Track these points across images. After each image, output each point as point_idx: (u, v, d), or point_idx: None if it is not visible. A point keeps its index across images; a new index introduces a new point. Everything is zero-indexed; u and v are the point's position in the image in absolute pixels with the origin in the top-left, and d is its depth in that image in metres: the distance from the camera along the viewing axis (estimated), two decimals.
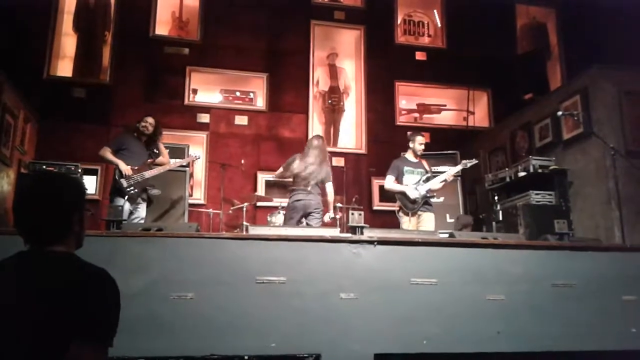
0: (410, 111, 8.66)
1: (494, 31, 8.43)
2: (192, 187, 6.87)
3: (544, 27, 9.14)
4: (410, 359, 3.18)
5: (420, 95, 8.77)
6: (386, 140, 7.94)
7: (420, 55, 8.54)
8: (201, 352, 2.94)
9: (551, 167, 5.76)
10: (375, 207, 7.63)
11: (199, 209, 6.81)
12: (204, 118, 7.56)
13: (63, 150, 6.56)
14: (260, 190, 7.28)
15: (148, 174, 5.08)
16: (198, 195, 7.16)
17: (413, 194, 5.21)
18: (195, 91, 7.75)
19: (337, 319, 3.16)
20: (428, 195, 5.28)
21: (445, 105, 8.83)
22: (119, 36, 7.58)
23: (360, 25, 8.39)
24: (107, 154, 5.02)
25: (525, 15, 9.12)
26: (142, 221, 4.96)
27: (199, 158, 5.95)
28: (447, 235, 4.13)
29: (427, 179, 5.32)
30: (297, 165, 5.11)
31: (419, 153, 5.47)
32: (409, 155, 5.51)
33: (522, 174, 5.87)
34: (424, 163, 5.52)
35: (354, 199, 6.55)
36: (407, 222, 5.23)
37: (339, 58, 8.36)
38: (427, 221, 5.23)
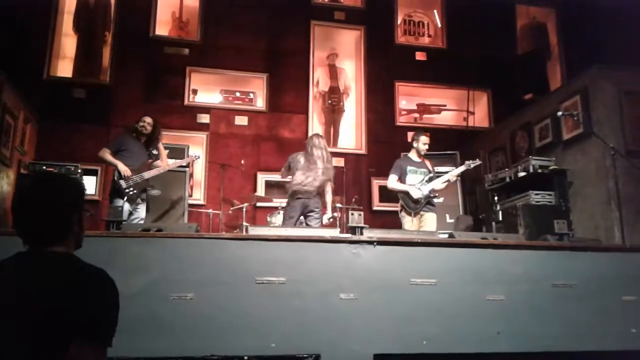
0: (410, 111, 8.66)
1: (494, 31, 8.43)
2: (192, 188, 6.87)
3: (544, 27, 9.14)
4: (410, 359, 3.18)
5: (420, 96, 8.77)
6: (386, 140, 7.94)
7: (420, 56, 8.54)
8: (201, 352, 2.94)
9: (551, 167, 5.76)
10: (375, 208, 7.63)
11: (199, 209, 6.81)
12: (204, 118, 7.56)
13: (63, 151, 6.56)
14: (260, 191, 7.28)
15: (147, 174, 5.08)
16: (198, 196, 7.16)
17: (416, 193, 5.20)
18: (195, 91, 7.75)
19: (337, 319, 3.16)
20: (431, 195, 5.28)
21: (445, 106, 8.82)
22: (119, 36, 7.58)
23: (360, 26, 8.39)
24: (106, 155, 5.03)
25: (525, 16, 9.12)
26: (142, 221, 4.97)
27: (199, 158, 5.95)
28: (446, 235, 4.13)
29: (430, 179, 5.31)
30: (302, 167, 5.02)
31: (422, 153, 5.46)
32: (412, 155, 5.50)
33: (522, 174, 5.87)
34: (427, 163, 5.51)
35: (353, 200, 6.55)
36: (409, 222, 5.22)
37: (339, 58, 8.36)
38: (429, 221, 5.22)
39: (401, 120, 8.34)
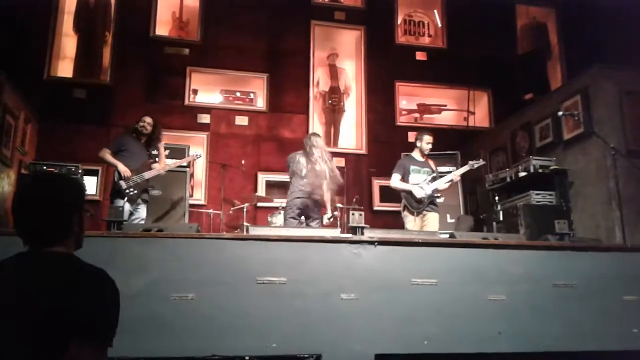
0: (410, 111, 8.66)
1: (494, 31, 8.43)
2: (192, 188, 6.87)
3: (544, 27, 9.14)
4: (411, 359, 3.17)
5: (421, 96, 8.77)
6: (386, 140, 7.94)
7: (420, 56, 8.54)
8: (202, 352, 2.94)
9: (552, 167, 5.76)
10: (375, 208, 7.63)
11: (200, 210, 6.81)
12: (205, 118, 7.56)
13: (64, 151, 6.56)
14: (261, 191, 7.28)
15: (147, 174, 5.08)
16: (198, 196, 7.16)
17: (419, 193, 5.19)
18: (195, 91, 7.75)
19: (338, 319, 3.15)
20: (434, 195, 5.27)
21: (445, 106, 8.82)
22: (119, 36, 7.58)
23: (361, 26, 8.39)
24: (107, 155, 5.02)
25: (526, 16, 9.11)
26: (143, 222, 4.97)
27: (199, 157, 5.95)
28: (447, 235, 4.13)
29: (434, 179, 5.30)
30: (306, 173, 4.99)
31: (426, 152, 5.44)
32: (415, 154, 5.49)
33: (522, 174, 5.87)
34: (431, 163, 5.49)
35: (354, 200, 6.54)
36: (411, 222, 5.21)
37: (339, 58, 8.36)
38: (432, 221, 5.21)
39: (401, 120, 8.34)
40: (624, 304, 3.50)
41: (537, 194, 5.57)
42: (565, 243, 3.82)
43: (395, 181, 5.37)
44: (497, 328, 3.30)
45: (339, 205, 6.13)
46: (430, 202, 5.24)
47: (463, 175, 5.71)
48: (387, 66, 8.33)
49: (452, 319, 3.28)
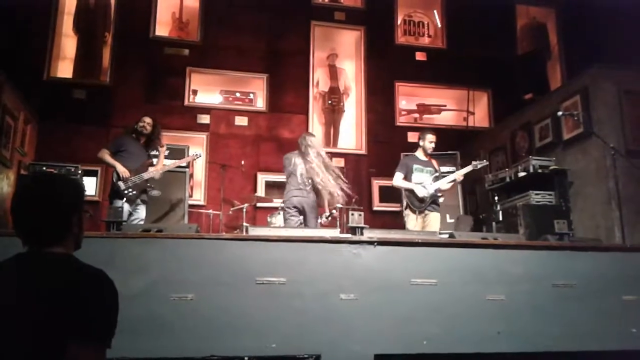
0: (410, 111, 8.66)
1: (494, 31, 8.43)
2: (192, 188, 6.87)
3: (544, 27, 9.14)
4: (411, 359, 3.17)
5: (420, 96, 8.77)
6: (386, 140, 7.95)
7: (420, 56, 8.54)
8: (201, 352, 2.94)
9: (551, 167, 5.76)
10: (375, 208, 7.63)
11: (199, 210, 6.81)
12: (204, 119, 7.57)
13: (63, 152, 6.56)
14: (260, 191, 7.28)
15: (146, 175, 5.08)
16: (198, 196, 7.16)
17: (421, 192, 5.19)
18: (195, 92, 7.75)
19: (337, 319, 3.15)
20: (437, 194, 5.27)
21: (445, 106, 8.83)
22: (119, 37, 7.58)
23: (361, 26, 8.39)
24: (105, 156, 5.02)
25: (525, 16, 9.12)
26: (142, 222, 4.96)
27: (199, 156, 5.94)
28: (447, 235, 4.13)
29: (436, 178, 5.30)
30: (301, 167, 5.00)
31: (429, 151, 5.42)
32: (419, 154, 5.48)
33: (522, 174, 5.87)
34: (434, 162, 5.48)
35: (353, 200, 6.54)
36: (413, 221, 5.21)
37: (339, 59, 8.37)
38: (433, 221, 5.20)
39: (401, 120, 8.34)
40: (624, 303, 3.50)
41: (537, 194, 5.57)
42: (564, 243, 3.82)
43: (397, 180, 5.36)
44: (496, 328, 3.30)
45: (338, 205, 6.13)
46: (432, 202, 5.23)
47: (463, 176, 5.71)
48: (386, 66, 8.33)
49: (451, 319, 3.28)
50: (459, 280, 3.36)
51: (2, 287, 1.39)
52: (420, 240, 3.49)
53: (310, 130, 7.63)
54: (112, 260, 2.93)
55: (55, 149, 6.67)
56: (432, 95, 8.80)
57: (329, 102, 8.16)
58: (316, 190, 4.93)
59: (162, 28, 7.89)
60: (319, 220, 5.19)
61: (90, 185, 6.58)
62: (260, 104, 7.86)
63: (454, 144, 7.41)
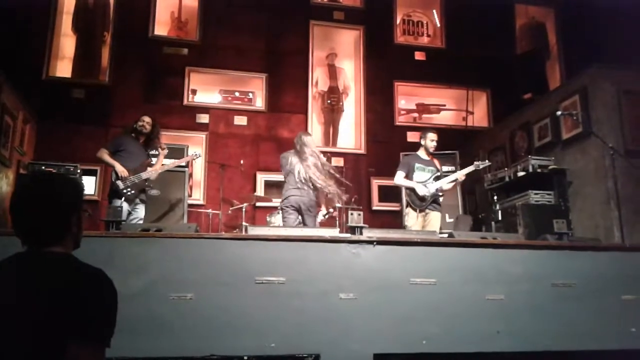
0: (409, 111, 8.66)
1: (493, 31, 8.43)
2: (191, 188, 6.86)
3: (543, 27, 9.14)
4: (410, 359, 3.17)
5: (420, 95, 8.77)
6: (385, 140, 7.95)
7: (419, 55, 8.55)
8: (200, 352, 2.94)
9: (550, 167, 5.76)
10: (374, 207, 7.62)
11: (198, 210, 6.81)
12: (203, 118, 7.56)
13: (62, 151, 6.55)
14: (260, 191, 7.28)
15: (145, 174, 5.07)
16: (197, 196, 7.15)
17: (422, 191, 5.18)
18: (194, 91, 7.74)
19: (337, 319, 3.16)
20: (438, 194, 5.27)
21: (444, 105, 8.83)
22: (118, 37, 7.58)
23: (360, 26, 8.39)
24: (104, 155, 5.02)
25: (525, 15, 9.12)
26: (141, 222, 4.96)
27: (199, 156, 5.93)
28: (446, 235, 4.13)
29: (438, 178, 5.30)
30: (297, 166, 5.01)
31: (430, 150, 5.41)
32: (420, 153, 5.47)
33: (521, 173, 5.87)
34: (436, 162, 5.47)
35: (353, 199, 6.54)
36: (413, 219, 5.20)
37: (338, 58, 8.37)
38: (434, 220, 5.20)
39: (400, 120, 8.34)
40: (623, 303, 3.51)
41: (536, 194, 5.57)
42: (564, 243, 3.83)
43: (399, 178, 5.36)
44: (495, 327, 3.30)
45: (338, 204, 6.13)
46: (433, 201, 5.23)
47: (465, 176, 5.70)
48: (386, 66, 8.33)
49: (451, 319, 3.28)
50: (458, 280, 3.37)
51: (2, 287, 1.39)
52: (419, 240, 3.49)
53: (309, 129, 7.63)
54: (111, 260, 2.93)
55: (55, 149, 6.66)
56: (431, 94, 8.80)
57: (328, 101, 8.16)
58: (315, 189, 4.94)
59: (161, 28, 7.89)
60: (317, 219, 5.18)
61: (89, 185, 6.57)
62: (260, 103, 7.86)
63: (453, 143, 7.40)
